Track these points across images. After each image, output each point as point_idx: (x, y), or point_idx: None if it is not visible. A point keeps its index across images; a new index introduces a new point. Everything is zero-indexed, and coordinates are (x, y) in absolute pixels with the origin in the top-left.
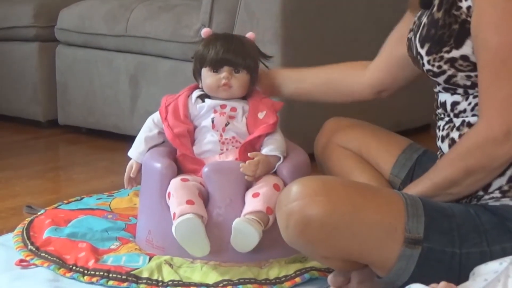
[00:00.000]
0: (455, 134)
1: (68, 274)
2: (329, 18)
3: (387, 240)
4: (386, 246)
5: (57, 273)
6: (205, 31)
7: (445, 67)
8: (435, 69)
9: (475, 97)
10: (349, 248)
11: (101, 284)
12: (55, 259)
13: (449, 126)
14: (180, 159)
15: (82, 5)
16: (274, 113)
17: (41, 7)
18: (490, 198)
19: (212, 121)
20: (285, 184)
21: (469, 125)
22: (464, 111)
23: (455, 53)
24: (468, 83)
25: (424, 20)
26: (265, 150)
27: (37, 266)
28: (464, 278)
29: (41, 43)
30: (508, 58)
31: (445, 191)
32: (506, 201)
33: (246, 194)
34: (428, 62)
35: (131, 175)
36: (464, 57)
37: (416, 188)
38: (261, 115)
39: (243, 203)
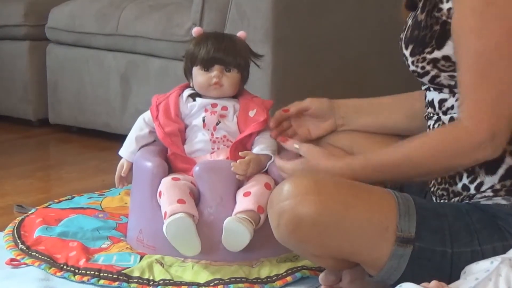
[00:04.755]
0: None
1: (59, 273)
2: (320, 17)
3: (378, 239)
4: (377, 245)
5: (48, 272)
6: (196, 30)
7: (428, 67)
8: (419, 70)
9: None
10: (341, 246)
11: (92, 283)
12: (46, 258)
13: (439, 125)
14: (171, 158)
15: (72, 4)
16: (265, 110)
17: (31, 6)
18: (482, 197)
19: (203, 120)
20: (276, 183)
21: None
22: (452, 107)
23: (437, 54)
24: (452, 82)
25: (409, 21)
26: (256, 149)
27: (27, 265)
28: (456, 277)
29: (32, 42)
30: (494, 61)
31: (409, 176)
32: (498, 199)
33: (237, 193)
34: (412, 63)
35: (122, 174)
36: (446, 58)
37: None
38: (251, 113)
39: (234, 202)
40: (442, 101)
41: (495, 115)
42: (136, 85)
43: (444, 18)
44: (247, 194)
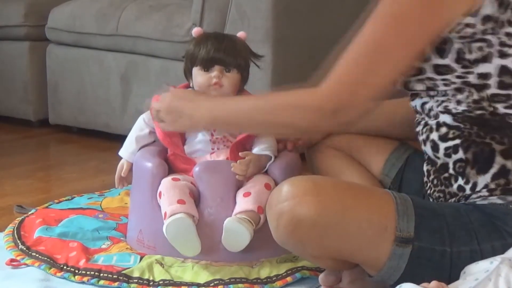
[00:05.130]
0: (434, 136)
1: (59, 274)
2: (320, 17)
3: (377, 239)
4: (376, 245)
5: (48, 272)
6: (196, 30)
7: None
8: None
9: (443, 95)
10: (340, 247)
11: (92, 284)
12: (46, 258)
13: (427, 129)
14: (171, 159)
15: (72, 4)
16: None
17: (31, 6)
18: (478, 197)
19: None
20: (276, 184)
21: (445, 124)
22: (432, 108)
23: None
24: (422, 87)
25: None
26: (256, 150)
27: (27, 265)
28: (455, 276)
29: (32, 42)
30: (373, 49)
31: (250, 127)
32: (493, 199)
33: (237, 194)
34: None
35: (122, 174)
36: None
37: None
38: None
39: (234, 202)
40: (423, 104)
41: (349, 93)
42: (136, 86)
43: None
44: (247, 194)
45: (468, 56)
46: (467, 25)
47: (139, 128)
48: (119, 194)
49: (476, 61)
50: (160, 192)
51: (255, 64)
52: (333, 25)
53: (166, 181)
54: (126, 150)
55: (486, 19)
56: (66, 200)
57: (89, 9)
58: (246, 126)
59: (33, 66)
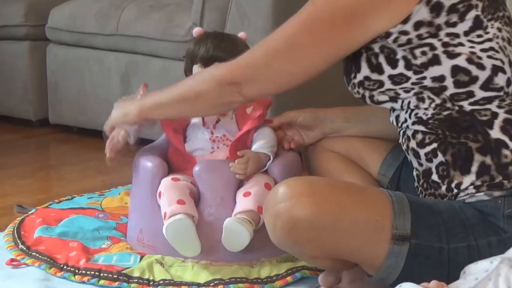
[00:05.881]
0: (413, 144)
1: (59, 274)
2: None
3: (375, 238)
4: (374, 244)
5: (48, 272)
6: (196, 30)
7: (361, 91)
8: (359, 96)
9: (408, 107)
10: (337, 247)
11: (92, 284)
12: (46, 258)
13: (405, 139)
14: (171, 158)
15: (73, 4)
16: (261, 107)
17: (32, 6)
18: (465, 195)
19: (203, 119)
20: (276, 183)
21: (420, 131)
22: (405, 120)
23: (359, 77)
24: (386, 98)
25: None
26: (254, 147)
27: (28, 265)
28: (453, 273)
29: (32, 42)
30: (279, 42)
31: (171, 106)
32: (480, 196)
33: (237, 193)
34: (352, 90)
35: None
36: (367, 77)
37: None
38: (248, 110)
39: (234, 202)
40: (397, 117)
41: (252, 71)
42: (137, 85)
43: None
44: (247, 194)
45: (414, 62)
46: (401, 33)
47: None
48: (119, 194)
49: (424, 65)
50: (160, 192)
51: None
52: None
53: (166, 181)
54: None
55: (418, 24)
56: (66, 200)
57: (89, 9)
58: (166, 104)
59: (33, 66)
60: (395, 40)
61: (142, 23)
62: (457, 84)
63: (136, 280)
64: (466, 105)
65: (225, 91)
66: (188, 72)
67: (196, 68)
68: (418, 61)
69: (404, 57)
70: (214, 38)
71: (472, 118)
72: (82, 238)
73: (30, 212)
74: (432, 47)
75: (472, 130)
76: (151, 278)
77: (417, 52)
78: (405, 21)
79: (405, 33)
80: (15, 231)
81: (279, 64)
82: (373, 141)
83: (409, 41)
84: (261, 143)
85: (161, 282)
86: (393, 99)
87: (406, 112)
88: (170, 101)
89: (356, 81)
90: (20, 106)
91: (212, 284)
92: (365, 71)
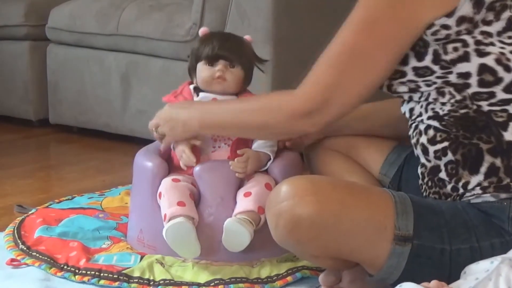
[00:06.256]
0: (423, 139)
1: (59, 274)
2: (320, 17)
3: (377, 238)
4: (376, 244)
5: (48, 272)
6: (202, 30)
7: None
8: None
9: (426, 99)
10: (339, 246)
11: (93, 284)
12: (46, 258)
13: (416, 133)
14: (173, 156)
15: (73, 4)
16: None
17: (32, 6)
18: (471, 195)
19: None
20: (276, 183)
21: (433, 128)
22: (420, 114)
23: None
24: (405, 89)
25: None
26: (254, 146)
27: (28, 265)
28: (455, 274)
29: (32, 42)
30: (352, 54)
31: (232, 129)
32: (487, 197)
33: (237, 193)
34: None
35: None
36: None
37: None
38: None
39: (235, 202)
40: (411, 110)
41: (324, 95)
42: (137, 85)
43: None
44: (247, 194)
45: (444, 57)
46: (442, 27)
47: None
48: (119, 194)
49: (453, 61)
50: (160, 193)
51: (259, 68)
52: (334, 25)
53: (166, 182)
54: None
55: (461, 20)
56: (66, 199)
57: (89, 9)
58: (229, 128)
59: (34, 66)
60: (434, 33)
61: (142, 23)
62: (481, 83)
63: (137, 280)
64: (484, 105)
65: (298, 124)
66: (192, 70)
67: (200, 66)
68: (448, 57)
69: (435, 51)
70: (219, 38)
71: (488, 118)
72: (82, 238)
73: (30, 212)
74: (465, 44)
75: (486, 130)
76: (152, 278)
77: (449, 47)
78: (449, 15)
79: (446, 27)
80: (15, 231)
81: (349, 79)
82: (374, 140)
83: (447, 36)
84: (261, 143)
85: (161, 282)
86: (413, 90)
87: (422, 106)
88: (232, 126)
89: None
90: (20, 106)
91: (213, 284)
92: None
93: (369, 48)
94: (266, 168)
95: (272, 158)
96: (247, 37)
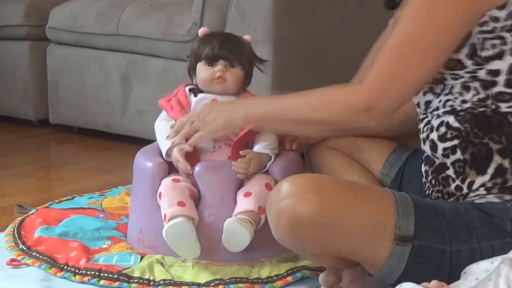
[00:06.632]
0: (434, 135)
1: (59, 274)
2: (320, 17)
3: (377, 238)
4: (376, 243)
5: (49, 272)
6: (202, 30)
7: None
8: None
9: (448, 93)
10: (340, 245)
11: (93, 284)
12: (46, 258)
13: (427, 128)
14: None
15: (73, 4)
16: None
17: (32, 6)
18: (475, 196)
19: None
20: (276, 183)
21: (447, 125)
22: (437, 108)
23: None
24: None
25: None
26: (257, 147)
27: (28, 265)
28: (455, 275)
29: (32, 42)
30: (411, 48)
31: (285, 123)
32: (491, 198)
33: (237, 194)
34: None
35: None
36: None
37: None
38: None
39: (235, 202)
40: (428, 103)
41: (383, 90)
42: (137, 85)
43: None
44: (247, 194)
45: (480, 53)
46: (492, 18)
47: (166, 122)
48: (119, 194)
49: (488, 59)
50: (160, 193)
51: (259, 69)
52: (334, 25)
53: (167, 182)
54: (168, 142)
55: (510, 15)
56: (66, 200)
57: (89, 9)
58: (279, 122)
59: (34, 66)
60: (482, 24)
61: (142, 23)
62: (508, 83)
63: (137, 280)
64: (504, 106)
65: (362, 119)
66: (192, 70)
67: (200, 66)
68: (484, 53)
69: (472, 45)
70: (219, 38)
71: (503, 118)
72: (82, 238)
73: (30, 212)
74: (503, 42)
75: (498, 130)
76: (152, 278)
77: (488, 44)
78: (501, 7)
79: (496, 19)
80: (16, 231)
81: (410, 71)
82: (376, 141)
83: (492, 30)
84: (264, 145)
85: (161, 282)
86: (437, 81)
87: (441, 101)
88: (282, 118)
89: None
90: (20, 106)
91: (213, 284)
92: None
93: (428, 38)
94: (266, 169)
95: (273, 159)
96: (246, 37)
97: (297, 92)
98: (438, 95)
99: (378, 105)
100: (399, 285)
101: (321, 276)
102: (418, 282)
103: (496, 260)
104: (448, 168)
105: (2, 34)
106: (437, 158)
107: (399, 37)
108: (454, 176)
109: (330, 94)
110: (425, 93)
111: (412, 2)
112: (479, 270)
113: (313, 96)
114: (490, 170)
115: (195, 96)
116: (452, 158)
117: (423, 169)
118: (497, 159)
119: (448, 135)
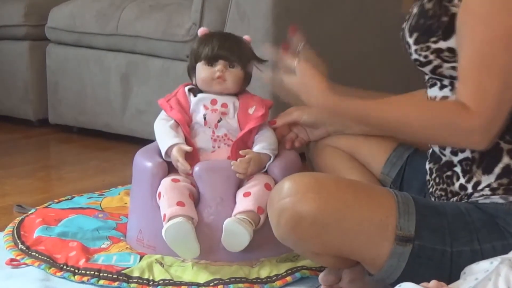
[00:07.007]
0: None
1: (58, 274)
2: (320, 17)
3: (378, 237)
4: (377, 243)
5: (48, 272)
6: (201, 30)
7: (431, 57)
8: (421, 59)
9: None
10: (340, 244)
11: (92, 284)
12: (45, 258)
13: None
14: None
15: (73, 3)
16: (263, 106)
17: (32, 6)
18: (480, 196)
19: (204, 118)
20: (276, 183)
21: None
22: None
23: (442, 44)
24: (454, 73)
25: (415, 10)
26: (256, 148)
27: (27, 265)
28: (456, 276)
29: (32, 42)
30: (500, 51)
31: (388, 130)
32: (495, 198)
33: (237, 193)
34: (416, 51)
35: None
36: (451, 49)
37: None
38: (251, 110)
39: (234, 202)
40: (443, 98)
41: (496, 103)
42: (137, 85)
43: (454, 10)
44: (247, 194)
45: None
46: None
47: (165, 121)
48: (119, 194)
49: None
50: (159, 193)
51: (259, 69)
52: (334, 25)
53: (166, 182)
54: (167, 141)
55: None
56: (66, 199)
57: (89, 9)
58: (387, 130)
59: (33, 66)
60: None
61: (142, 23)
62: None
63: (136, 280)
64: None
65: (474, 141)
66: (191, 70)
67: (199, 66)
68: None
69: None
70: (219, 38)
71: None
72: (81, 238)
73: (30, 212)
74: None
75: (510, 131)
76: (151, 278)
77: None
78: None
79: None
80: (15, 231)
81: (506, 84)
82: (377, 140)
83: None
84: (264, 145)
85: (160, 282)
86: (454, 78)
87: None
88: (394, 129)
89: (434, 46)
90: (20, 106)
91: (212, 284)
92: (453, 42)
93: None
94: (265, 169)
95: (272, 159)
96: (246, 37)
97: (403, 104)
98: (453, 92)
99: (492, 126)
100: (398, 285)
101: (321, 276)
102: (417, 282)
103: (496, 260)
104: (455, 166)
105: (1, 34)
106: (445, 155)
107: (484, 43)
108: (461, 174)
109: (441, 113)
110: (442, 88)
111: (479, 3)
112: (478, 270)
113: (424, 112)
114: (497, 170)
115: (195, 96)
116: (461, 156)
117: (427, 166)
118: (505, 160)
119: None
